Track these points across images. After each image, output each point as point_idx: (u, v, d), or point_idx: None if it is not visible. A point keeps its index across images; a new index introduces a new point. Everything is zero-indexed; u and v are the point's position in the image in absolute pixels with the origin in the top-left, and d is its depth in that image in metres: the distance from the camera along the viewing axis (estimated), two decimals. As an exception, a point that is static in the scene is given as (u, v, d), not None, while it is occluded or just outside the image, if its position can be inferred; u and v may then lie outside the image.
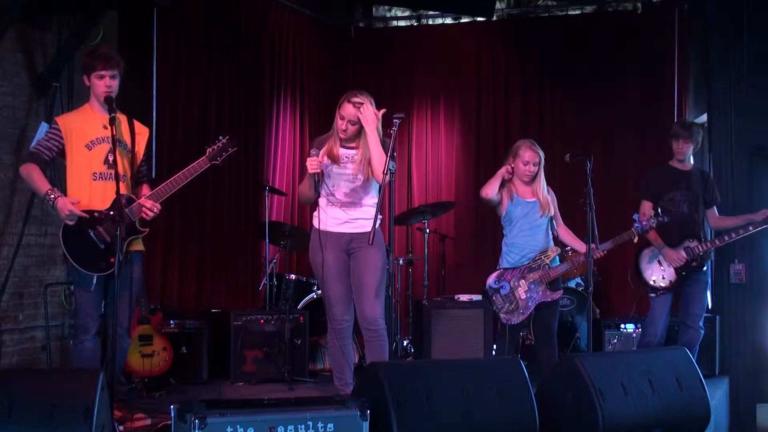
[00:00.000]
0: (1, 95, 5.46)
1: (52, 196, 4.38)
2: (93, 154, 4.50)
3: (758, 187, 6.82)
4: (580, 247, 5.36)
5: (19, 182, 5.55)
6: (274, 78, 7.97)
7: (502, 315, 5.36)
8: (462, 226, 8.45)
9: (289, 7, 8.17)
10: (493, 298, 5.39)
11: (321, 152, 4.70)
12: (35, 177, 4.46)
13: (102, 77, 4.48)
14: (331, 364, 4.89)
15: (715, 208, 5.91)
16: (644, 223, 5.37)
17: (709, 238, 5.90)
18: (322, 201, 4.79)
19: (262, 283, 6.69)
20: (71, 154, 4.50)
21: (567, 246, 5.63)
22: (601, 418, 3.91)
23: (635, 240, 5.43)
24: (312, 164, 4.58)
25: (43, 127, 5.60)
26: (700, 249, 5.65)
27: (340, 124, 4.68)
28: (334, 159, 4.70)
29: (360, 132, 4.67)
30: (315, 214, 4.84)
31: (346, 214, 4.72)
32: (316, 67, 8.55)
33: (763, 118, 6.84)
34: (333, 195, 4.74)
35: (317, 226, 4.76)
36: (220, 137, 4.73)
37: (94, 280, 4.45)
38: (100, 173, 4.50)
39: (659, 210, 5.43)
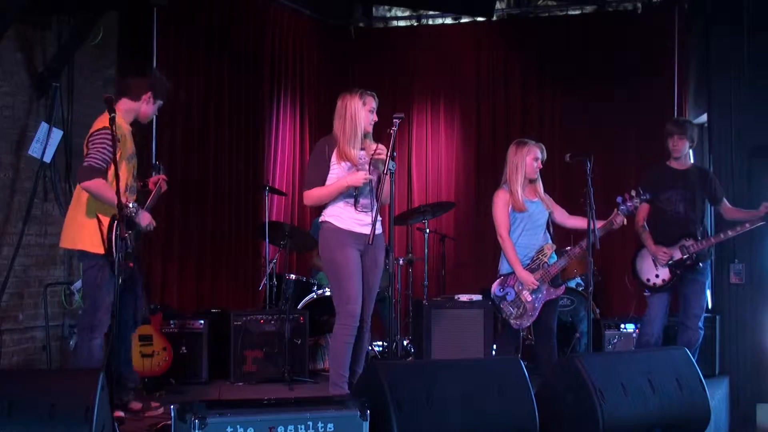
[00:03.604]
0: (1, 95, 5.45)
1: (133, 209, 4.49)
2: (130, 167, 4.66)
3: (758, 187, 6.79)
4: (582, 223, 5.26)
5: (18, 182, 5.55)
6: (274, 78, 7.97)
7: (512, 321, 5.34)
8: (462, 226, 8.46)
9: (289, 7, 8.17)
10: (500, 306, 5.38)
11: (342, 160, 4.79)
12: (108, 192, 4.45)
13: (159, 106, 4.82)
14: (335, 359, 4.81)
15: (725, 200, 5.88)
16: (628, 204, 5.31)
17: (709, 235, 5.89)
18: (339, 202, 4.80)
19: (262, 283, 6.69)
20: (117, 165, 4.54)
21: (568, 243, 5.63)
22: (601, 418, 3.91)
23: (624, 222, 5.36)
24: (362, 177, 4.68)
25: (43, 127, 5.61)
26: (694, 248, 5.64)
27: (368, 118, 4.81)
28: (354, 162, 4.77)
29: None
30: (331, 213, 4.81)
31: (366, 215, 4.78)
32: (316, 67, 8.56)
33: (763, 118, 6.83)
34: (353, 197, 4.77)
35: (340, 226, 4.77)
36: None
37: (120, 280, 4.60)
38: (129, 187, 4.64)
39: (640, 190, 5.37)
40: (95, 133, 4.50)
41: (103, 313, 4.55)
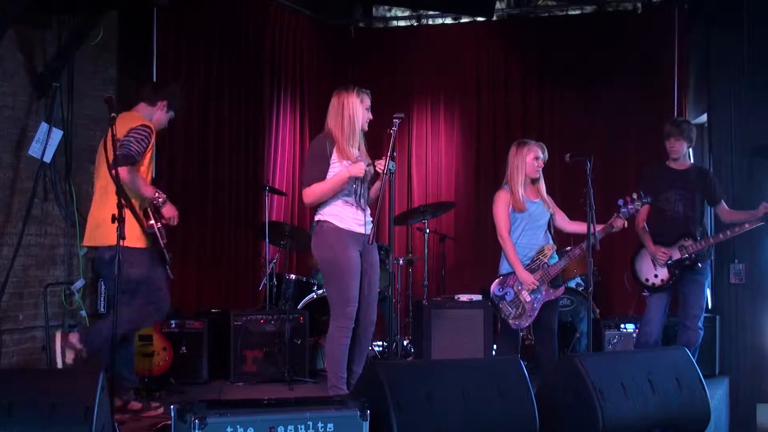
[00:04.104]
0: (1, 95, 5.45)
1: (162, 198, 4.70)
2: (152, 165, 4.86)
3: (758, 187, 6.79)
4: (582, 228, 5.27)
5: (18, 182, 5.55)
6: (274, 78, 7.97)
7: (511, 321, 5.34)
8: (462, 226, 8.45)
9: (289, 7, 8.17)
10: (499, 306, 5.38)
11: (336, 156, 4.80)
12: (141, 182, 4.65)
13: (171, 117, 5.01)
14: (333, 362, 4.81)
15: (723, 202, 5.87)
16: (629, 207, 5.30)
17: (708, 236, 5.89)
18: (337, 202, 4.76)
19: (262, 283, 6.70)
20: (145, 161, 4.71)
21: (568, 244, 5.63)
22: (601, 418, 3.91)
23: (625, 225, 5.36)
24: (363, 167, 4.68)
25: (43, 127, 5.60)
26: (693, 248, 5.64)
27: (365, 116, 4.83)
28: (353, 161, 4.76)
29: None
30: (330, 212, 4.76)
31: (364, 214, 4.78)
32: (316, 67, 8.55)
33: (763, 118, 6.83)
34: (351, 195, 4.77)
35: (340, 225, 4.74)
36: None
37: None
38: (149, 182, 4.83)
39: (641, 193, 5.37)
40: (137, 128, 4.63)
41: (163, 298, 4.88)
